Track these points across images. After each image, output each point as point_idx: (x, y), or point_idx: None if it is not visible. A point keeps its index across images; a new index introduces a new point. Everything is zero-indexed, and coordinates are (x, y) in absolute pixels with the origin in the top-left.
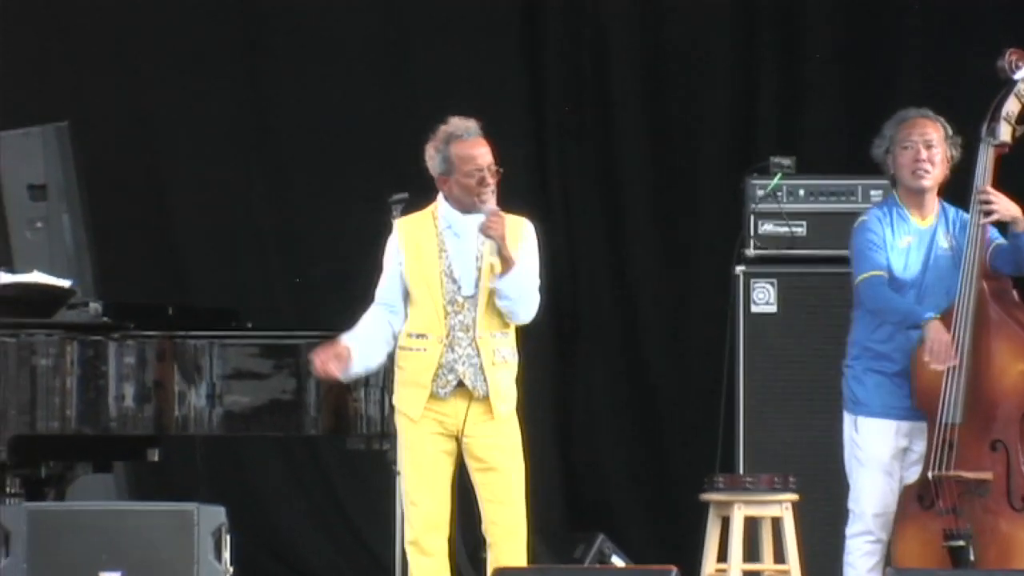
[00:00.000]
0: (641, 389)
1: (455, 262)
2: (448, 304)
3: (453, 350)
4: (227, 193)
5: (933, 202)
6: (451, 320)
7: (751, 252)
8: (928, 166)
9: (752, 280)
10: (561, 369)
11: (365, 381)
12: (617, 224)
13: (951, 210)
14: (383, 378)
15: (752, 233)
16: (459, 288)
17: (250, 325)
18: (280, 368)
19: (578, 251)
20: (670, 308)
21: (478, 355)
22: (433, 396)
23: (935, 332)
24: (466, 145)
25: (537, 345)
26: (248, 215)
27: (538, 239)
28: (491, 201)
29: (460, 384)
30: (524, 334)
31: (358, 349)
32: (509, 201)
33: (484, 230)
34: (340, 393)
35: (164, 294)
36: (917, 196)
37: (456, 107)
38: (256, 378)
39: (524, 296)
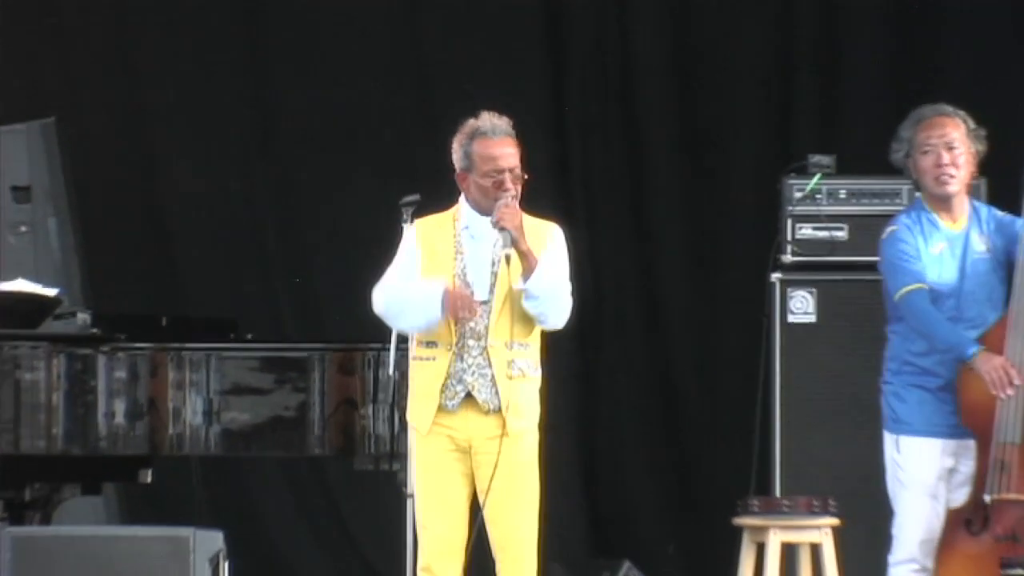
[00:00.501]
0: (670, 404)
1: (470, 265)
2: (460, 309)
3: (463, 359)
4: (227, 196)
5: (963, 204)
6: (462, 327)
7: (788, 258)
8: (952, 170)
9: (789, 288)
10: (584, 383)
11: (374, 397)
12: (645, 228)
13: (983, 209)
14: (393, 393)
15: (789, 238)
16: (472, 293)
17: (250, 336)
18: (283, 383)
19: (603, 257)
20: (701, 318)
21: (489, 366)
22: (442, 409)
23: (987, 364)
24: (490, 144)
25: (558, 357)
26: (249, 219)
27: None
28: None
29: (469, 396)
30: (544, 345)
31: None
32: (531, 205)
33: (496, 222)
34: (347, 410)
35: (158, 303)
36: (944, 200)
37: (471, 109)
38: (257, 393)
39: (553, 296)
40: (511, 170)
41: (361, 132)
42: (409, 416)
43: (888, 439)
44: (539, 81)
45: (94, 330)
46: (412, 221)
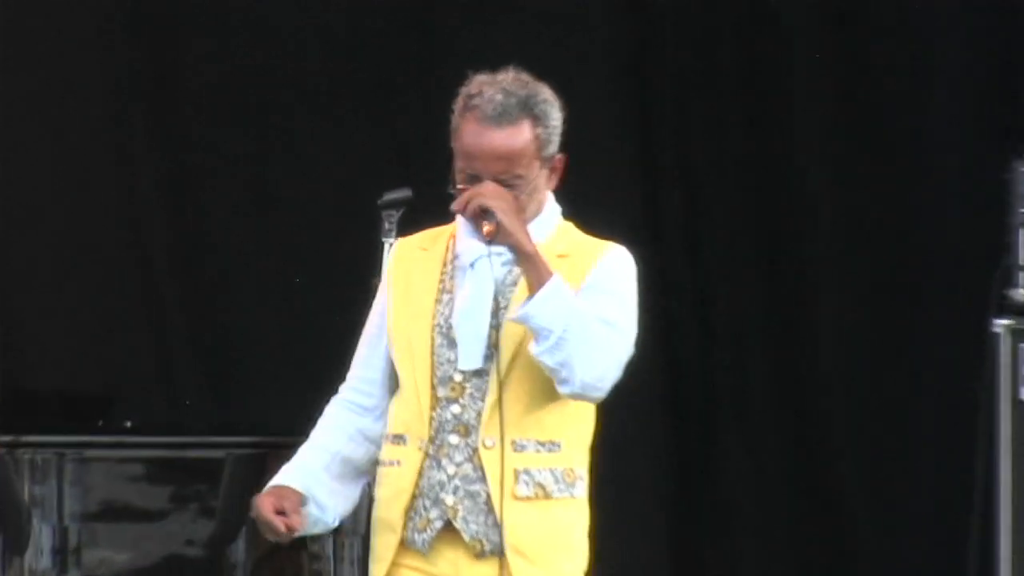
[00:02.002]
0: (822, 493)
1: (457, 311)
2: (438, 384)
3: (440, 465)
4: (93, 201)
5: None
6: (440, 412)
7: (1022, 294)
8: None
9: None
10: (690, 471)
11: (337, 527)
12: (779, 254)
13: None
14: (367, 518)
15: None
16: (455, 356)
17: (130, 424)
18: (184, 501)
19: (708, 288)
20: (875, 375)
21: (483, 479)
22: (407, 546)
23: None
24: (475, 132)
25: (640, 427)
26: (128, 233)
27: (639, 272)
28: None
29: (450, 527)
30: (596, 441)
31: (322, 484)
32: (592, 222)
33: (458, 206)
34: (290, 548)
35: None
36: None
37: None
38: (142, 519)
39: (580, 335)
40: (498, 177)
41: (308, 98)
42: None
43: None
44: (609, 45)
45: None
46: (396, 236)
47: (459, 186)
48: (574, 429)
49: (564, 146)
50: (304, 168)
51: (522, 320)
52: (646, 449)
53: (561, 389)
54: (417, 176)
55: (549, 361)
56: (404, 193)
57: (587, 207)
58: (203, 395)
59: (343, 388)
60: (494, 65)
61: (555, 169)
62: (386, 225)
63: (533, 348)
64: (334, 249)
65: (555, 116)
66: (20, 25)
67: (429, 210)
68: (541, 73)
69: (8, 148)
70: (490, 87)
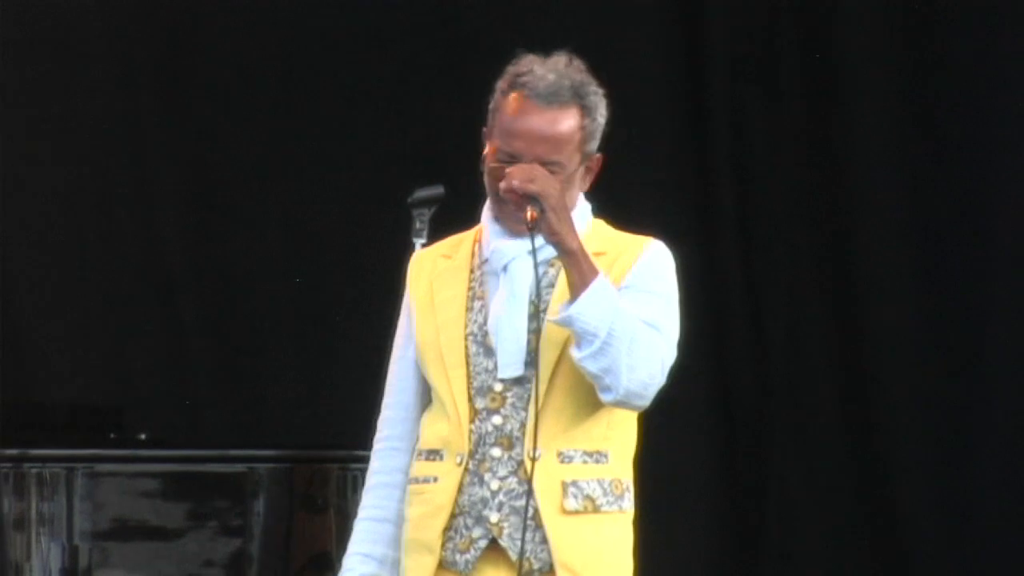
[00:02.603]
0: (882, 505)
1: (493, 318)
2: (476, 395)
3: (483, 481)
4: (107, 209)
5: None
6: (480, 424)
7: None
8: None
9: None
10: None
11: None
12: (837, 247)
13: None
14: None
15: None
16: (495, 365)
17: (144, 436)
18: (203, 518)
19: (762, 291)
20: (936, 380)
21: (529, 493)
22: (445, 567)
23: None
24: (522, 110)
25: (691, 437)
26: (143, 241)
27: (680, 269)
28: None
29: (495, 545)
30: (639, 454)
31: (391, 564)
32: (648, 220)
33: (505, 189)
34: (317, 570)
35: None
36: None
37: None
38: (156, 537)
39: (625, 344)
40: (539, 159)
41: (326, 93)
42: None
43: None
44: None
45: None
46: (428, 236)
47: (494, 164)
48: (620, 438)
49: (605, 147)
50: (327, 169)
51: (565, 323)
52: (696, 460)
53: (604, 397)
54: (448, 173)
55: (592, 367)
56: (436, 191)
57: (639, 205)
58: (221, 405)
59: (381, 424)
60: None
61: (591, 169)
62: (417, 224)
63: (575, 353)
64: (360, 252)
65: (602, 112)
66: (34, 29)
67: (462, 208)
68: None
69: (21, 157)
70: (541, 66)
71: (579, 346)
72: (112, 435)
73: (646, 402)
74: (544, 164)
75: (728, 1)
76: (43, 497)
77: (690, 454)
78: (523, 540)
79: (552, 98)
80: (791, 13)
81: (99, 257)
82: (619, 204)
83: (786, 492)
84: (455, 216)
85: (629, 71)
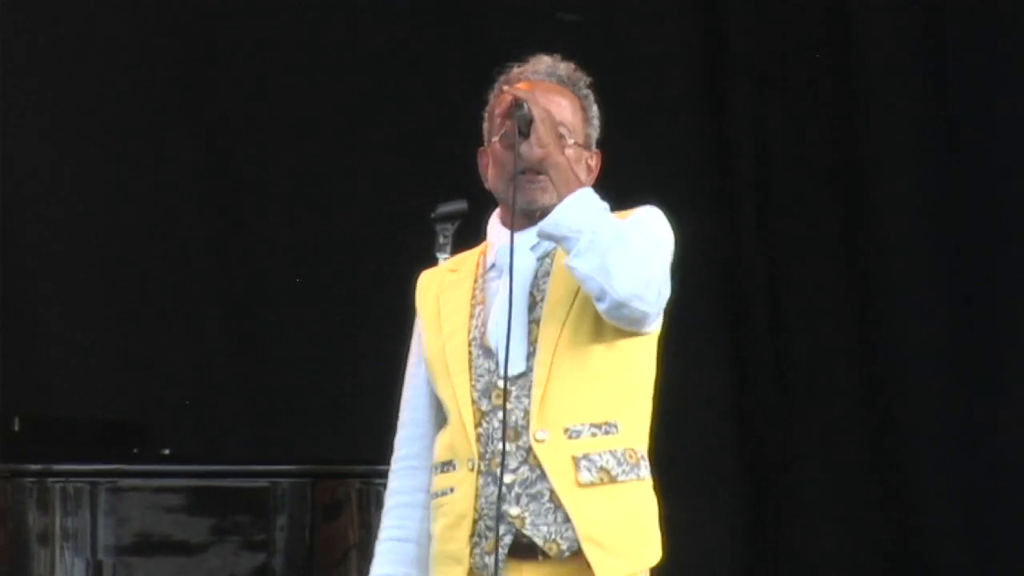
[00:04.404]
0: (903, 507)
1: (492, 316)
2: (480, 397)
3: (496, 480)
4: (131, 222)
5: None
6: (487, 425)
7: None
8: None
9: None
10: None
11: None
12: (858, 254)
13: None
14: None
15: None
16: (496, 365)
17: (167, 452)
18: (225, 533)
19: (784, 295)
20: (959, 387)
21: (544, 476)
22: (477, 574)
23: None
24: (523, 85)
25: (710, 438)
26: (166, 255)
27: (702, 267)
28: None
29: (518, 544)
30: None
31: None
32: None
33: (499, 110)
34: None
35: (13, 399)
36: None
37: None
38: (180, 552)
39: (614, 241)
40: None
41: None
42: None
43: None
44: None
45: None
46: (449, 251)
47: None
48: (630, 408)
49: (632, 147)
50: (351, 186)
51: (550, 229)
52: (716, 462)
53: (600, 306)
54: (471, 189)
55: (584, 267)
56: (459, 205)
57: (662, 205)
58: (244, 421)
59: (398, 443)
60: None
61: (592, 168)
62: (440, 239)
63: (567, 261)
64: (384, 268)
65: (595, 111)
66: (56, 36)
67: (485, 223)
68: (608, 72)
69: (45, 172)
70: (532, 62)
71: (568, 250)
72: (136, 450)
73: (646, 308)
74: (565, 125)
75: (750, 6)
76: (67, 512)
77: (707, 452)
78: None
79: (551, 74)
80: (812, 16)
81: (123, 273)
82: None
83: (805, 495)
84: (478, 231)
85: (652, 75)
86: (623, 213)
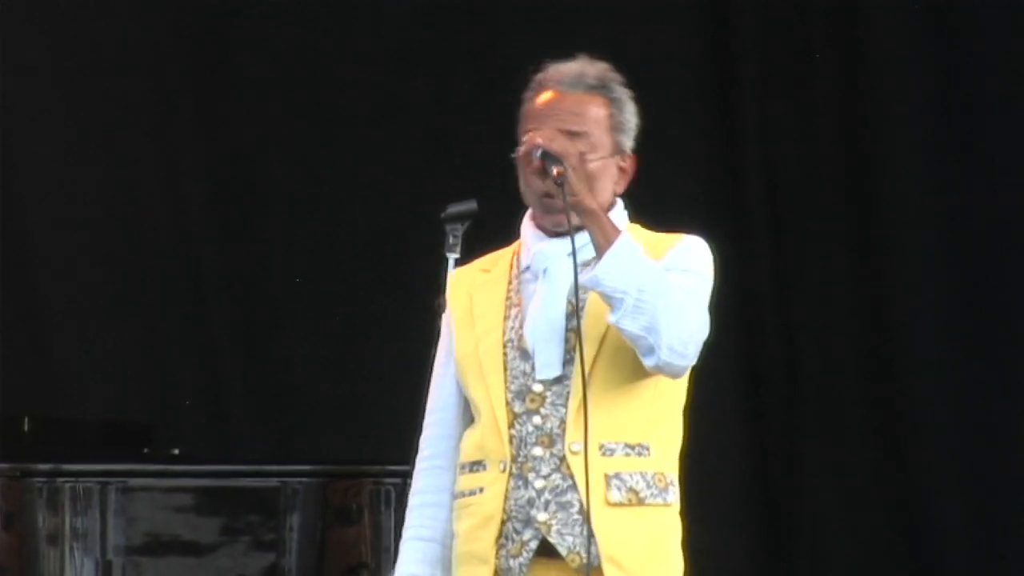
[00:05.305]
0: (911, 509)
1: (530, 319)
2: (514, 399)
3: (527, 483)
4: (139, 222)
5: None
6: (520, 428)
7: None
8: None
9: None
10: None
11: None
12: (868, 252)
13: None
14: None
15: None
16: (532, 368)
17: (177, 452)
18: (235, 533)
19: (793, 296)
20: (969, 385)
21: (574, 487)
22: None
23: None
24: (547, 94)
25: (720, 441)
26: (176, 254)
27: (717, 262)
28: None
29: (545, 546)
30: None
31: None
32: (677, 225)
33: (524, 147)
34: None
35: (22, 399)
36: None
37: None
38: (189, 553)
39: (660, 299)
40: (568, 133)
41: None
42: None
43: None
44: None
45: None
46: (459, 252)
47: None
48: (662, 432)
49: (639, 149)
50: (361, 185)
51: (592, 284)
52: (726, 466)
53: (647, 361)
54: (481, 189)
55: (631, 327)
56: (469, 205)
57: (668, 210)
58: (252, 421)
59: (424, 442)
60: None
61: (624, 170)
62: (450, 240)
63: (611, 317)
64: (394, 267)
65: (630, 110)
66: (68, 39)
67: (495, 223)
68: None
69: (53, 172)
70: (563, 64)
71: (613, 308)
72: (146, 450)
73: (688, 363)
74: (571, 135)
75: (759, 6)
76: (76, 512)
77: (720, 462)
78: (589, 527)
79: (576, 83)
80: (822, 15)
81: (133, 273)
82: (648, 211)
83: (817, 505)
84: (488, 231)
85: (660, 77)
86: (664, 238)
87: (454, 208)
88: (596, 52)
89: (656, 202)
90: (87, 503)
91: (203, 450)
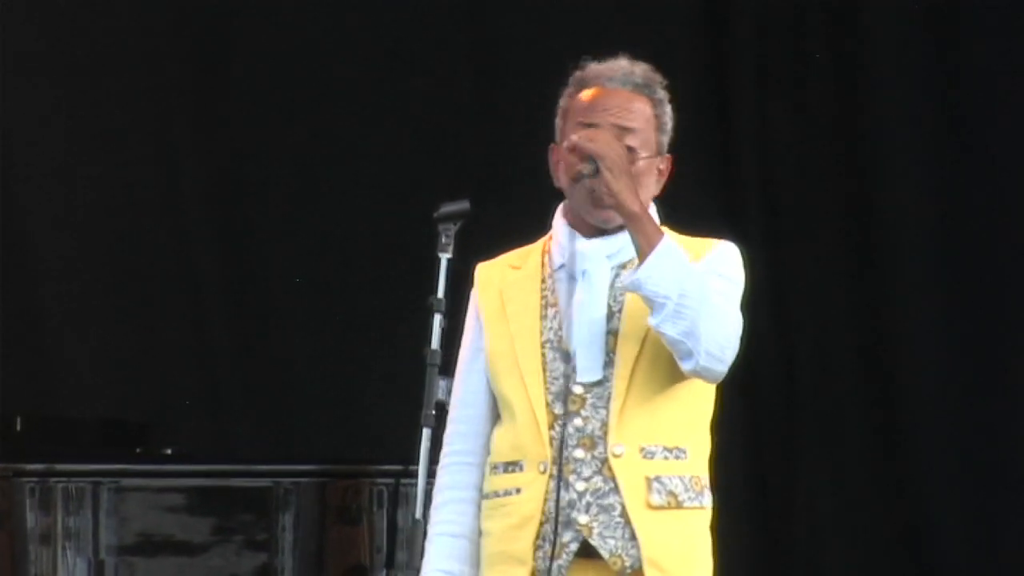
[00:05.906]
0: (909, 512)
1: (575, 322)
2: (554, 400)
3: (568, 485)
4: (136, 221)
5: None
6: (560, 430)
7: None
8: None
9: None
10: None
11: (407, 563)
12: (866, 257)
13: None
14: (419, 555)
15: None
16: (574, 370)
17: (171, 451)
18: (228, 533)
19: (790, 300)
20: (967, 391)
21: (616, 490)
22: None
23: None
24: (595, 95)
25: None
26: (172, 254)
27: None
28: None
29: (586, 547)
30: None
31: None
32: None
33: (569, 147)
34: None
35: (20, 399)
36: None
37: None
38: (182, 552)
39: (700, 304)
40: (621, 128)
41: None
42: None
43: None
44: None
45: None
46: (452, 251)
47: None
48: (697, 436)
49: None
50: (356, 185)
51: (634, 287)
52: (724, 466)
53: (685, 365)
54: (474, 189)
55: (671, 331)
56: (462, 205)
57: (666, 210)
58: (249, 420)
59: (450, 438)
60: (556, 71)
61: (663, 172)
62: (443, 239)
63: (651, 320)
64: (388, 266)
65: (670, 112)
66: (66, 38)
67: (487, 223)
68: None
69: (50, 170)
70: (608, 62)
71: (653, 311)
72: (138, 450)
73: (725, 368)
74: (624, 131)
75: (757, 7)
76: (69, 512)
77: (719, 462)
78: (625, 529)
79: (625, 81)
80: (819, 13)
81: (128, 271)
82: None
83: (816, 505)
84: (481, 231)
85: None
86: (699, 242)
87: (447, 208)
88: (596, 52)
89: (654, 202)
90: (79, 503)
91: (201, 449)
